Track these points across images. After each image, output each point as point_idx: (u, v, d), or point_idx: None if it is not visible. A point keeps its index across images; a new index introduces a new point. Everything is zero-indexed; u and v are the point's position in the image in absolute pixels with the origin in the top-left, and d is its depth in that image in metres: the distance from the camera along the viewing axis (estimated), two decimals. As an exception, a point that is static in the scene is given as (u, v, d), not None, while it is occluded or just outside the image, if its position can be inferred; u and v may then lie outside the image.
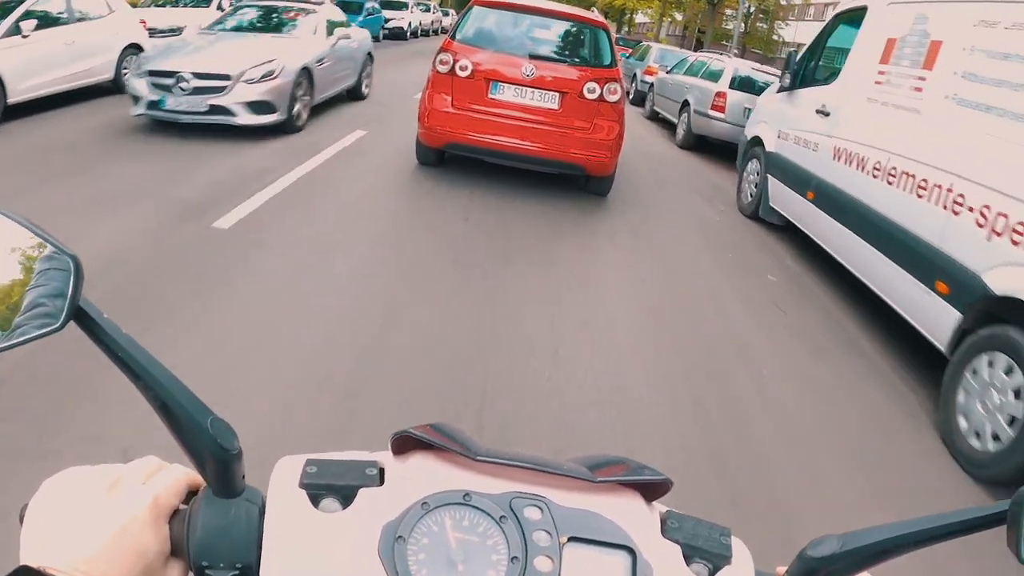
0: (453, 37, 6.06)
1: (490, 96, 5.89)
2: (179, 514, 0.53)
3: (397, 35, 22.53)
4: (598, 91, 5.86)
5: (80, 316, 0.51)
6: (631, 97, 15.04)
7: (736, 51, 42.34)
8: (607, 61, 6.08)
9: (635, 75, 15.94)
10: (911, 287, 3.59)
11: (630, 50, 19.58)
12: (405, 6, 24.20)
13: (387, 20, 21.95)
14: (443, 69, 5.90)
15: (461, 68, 5.86)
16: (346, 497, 0.53)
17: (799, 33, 35.74)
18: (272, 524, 0.52)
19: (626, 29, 54.94)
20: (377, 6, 20.83)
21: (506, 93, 5.91)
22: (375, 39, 17.19)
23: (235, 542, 0.51)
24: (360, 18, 17.10)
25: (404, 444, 0.56)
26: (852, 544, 0.53)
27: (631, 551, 0.52)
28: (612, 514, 0.54)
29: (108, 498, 0.50)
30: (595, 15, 6.61)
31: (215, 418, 0.52)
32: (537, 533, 0.51)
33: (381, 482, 0.54)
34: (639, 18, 53.10)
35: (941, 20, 4.04)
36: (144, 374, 0.51)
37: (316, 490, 0.53)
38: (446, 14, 34.52)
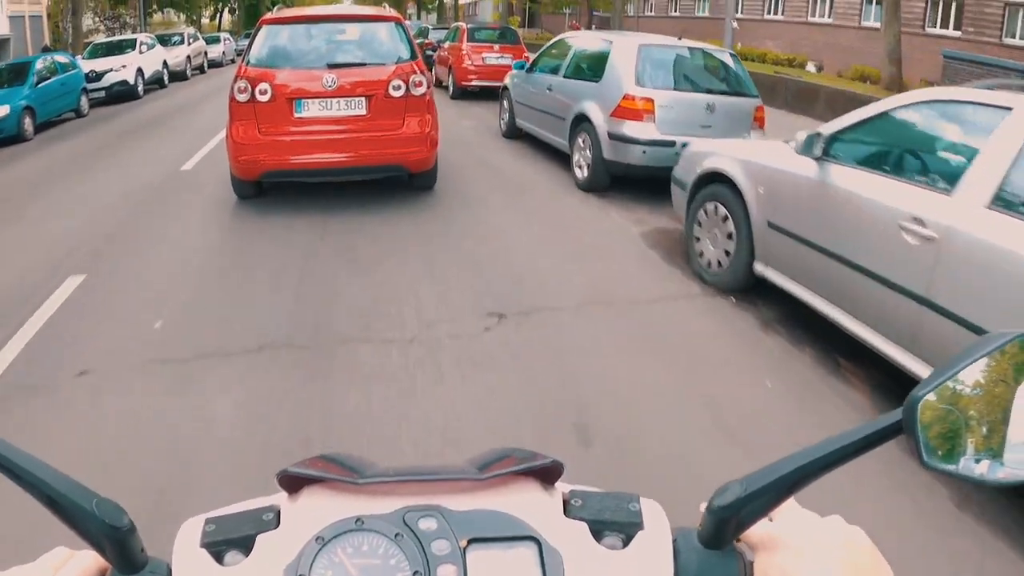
0: (247, 62, 5.86)
1: (296, 115, 5.76)
2: None
3: (123, 94, 15.38)
4: (403, 87, 5.85)
5: None
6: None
7: (574, 22, 42.46)
8: (408, 55, 6.10)
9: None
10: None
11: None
12: (131, 46, 16.67)
13: (94, 76, 14.82)
14: (242, 97, 5.71)
15: (260, 92, 5.68)
16: (247, 547, 0.55)
17: None
18: None
19: (434, 15, 51.01)
20: (63, 60, 13.56)
21: (311, 109, 5.79)
22: (79, 113, 13.32)
23: None
24: (26, 89, 11.46)
25: (294, 482, 0.58)
26: (756, 485, 0.54)
27: (536, 540, 0.53)
28: (509, 507, 0.55)
29: None
30: (386, 10, 6.66)
31: (100, 499, 0.53)
32: (436, 543, 0.53)
33: (278, 524, 0.56)
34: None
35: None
36: (24, 473, 0.52)
37: (217, 547, 0.55)
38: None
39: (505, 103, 9.31)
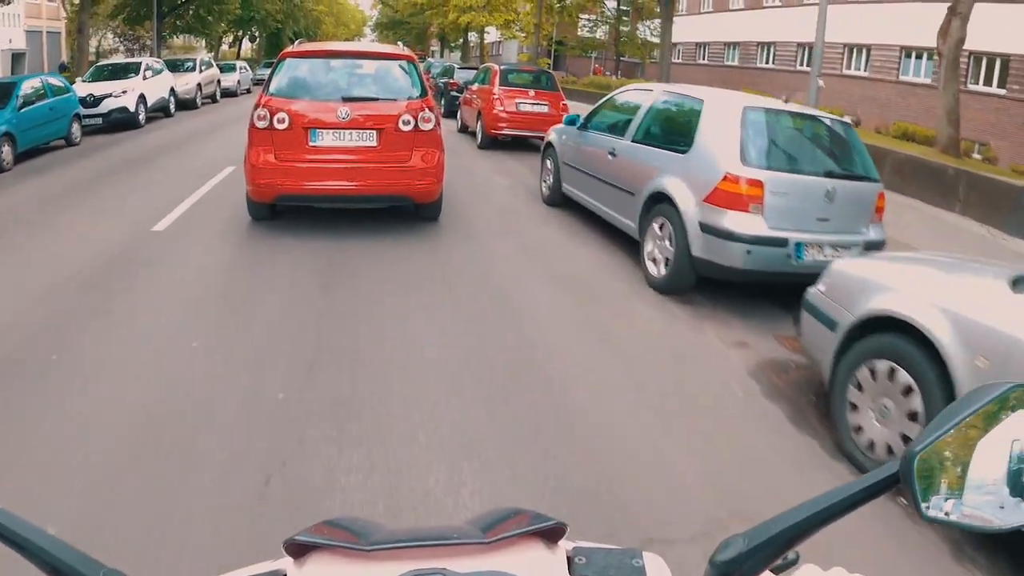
0: (267, 91, 6.24)
1: (311, 144, 6.10)
2: None
3: (122, 122, 14.01)
4: (412, 122, 6.16)
5: None
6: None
7: (598, 66, 41.12)
8: (418, 92, 6.39)
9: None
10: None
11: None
12: (135, 70, 15.31)
13: (91, 101, 13.46)
14: (261, 124, 6.05)
15: (279, 121, 6.04)
16: None
17: (685, 30, 31.00)
18: None
19: (457, 53, 49.62)
20: (55, 83, 12.18)
21: (325, 139, 6.12)
22: (70, 142, 12.17)
23: None
24: (8, 112, 10.19)
25: (301, 548, 0.59)
26: (757, 540, 0.58)
27: None
28: (514, 568, 0.57)
29: None
30: (401, 49, 7.06)
31: (107, 570, 0.55)
32: None
33: None
34: (491, 36, 46.61)
35: None
36: (28, 544, 0.54)
37: None
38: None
39: (549, 163, 7.98)
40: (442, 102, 18.30)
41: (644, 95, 6.40)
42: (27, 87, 11.13)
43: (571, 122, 7.36)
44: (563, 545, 0.63)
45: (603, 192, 6.44)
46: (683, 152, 5.30)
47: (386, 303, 4.67)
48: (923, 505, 0.57)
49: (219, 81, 23.05)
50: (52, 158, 10.87)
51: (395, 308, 4.59)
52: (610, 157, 6.32)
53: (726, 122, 5.05)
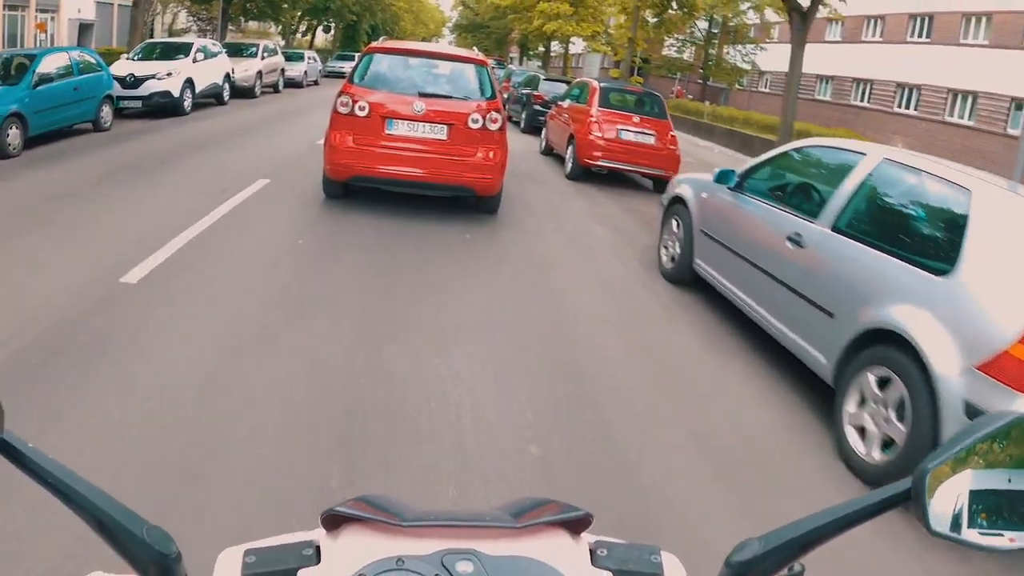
0: (351, 81, 6.91)
1: (387, 132, 6.67)
2: None
3: (165, 108, 12.61)
4: (481, 121, 6.72)
5: (5, 448, 0.58)
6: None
7: (680, 88, 38.78)
8: (488, 94, 6.99)
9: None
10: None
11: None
12: (185, 51, 13.91)
13: (131, 82, 11.98)
14: (344, 110, 6.67)
15: (360, 108, 6.65)
16: None
17: (775, 58, 28.18)
18: None
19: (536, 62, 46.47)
20: (86, 59, 10.75)
21: (400, 128, 6.70)
22: (98, 127, 10.66)
23: None
24: (20, 90, 8.86)
25: (335, 520, 0.63)
26: (772, 543, 0.62)
27: None
28: (541, 555, 0.61)
29: None
30: (475, 54, 8.20)
31: (150, 526, 0.57)
32: None
33: (318, 560, 0.60)
34: (575, 47, 43.13)
35: None
36: (74, 495, 0.57)
37: None
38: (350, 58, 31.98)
39: (675, 225, 5.98)
40: (523, 115, 16.48)
41: (849, 158, 4.33)
42: (48, 62, 9.62)
43: (722, 178, 5.29)
44: (586, 537, 0.67)
45: (770, 293, 4.41)
46: (939, 273, 3.27)
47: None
48: (931, 522, 0.60)
49: (283, 70, 21.60)
50: (70, 145, 9.45)
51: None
52: (790, 245, 4.27)
53: (1020, 239, 3.02)
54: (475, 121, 6.76)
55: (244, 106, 15.83)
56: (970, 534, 0.61)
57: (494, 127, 6.80)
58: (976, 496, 0.61)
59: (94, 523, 0.58)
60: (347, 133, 6.70)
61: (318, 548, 0.62)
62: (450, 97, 6.98)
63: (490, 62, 10.65)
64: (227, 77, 15.49)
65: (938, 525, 0.61)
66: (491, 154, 6.79)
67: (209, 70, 14.43)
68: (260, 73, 18.33)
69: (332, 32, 48.16)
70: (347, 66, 34.11)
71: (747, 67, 31.52)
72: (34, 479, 0.59)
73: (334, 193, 7.24)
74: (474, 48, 9.26)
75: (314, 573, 0.60)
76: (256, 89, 18.04)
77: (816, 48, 29.16)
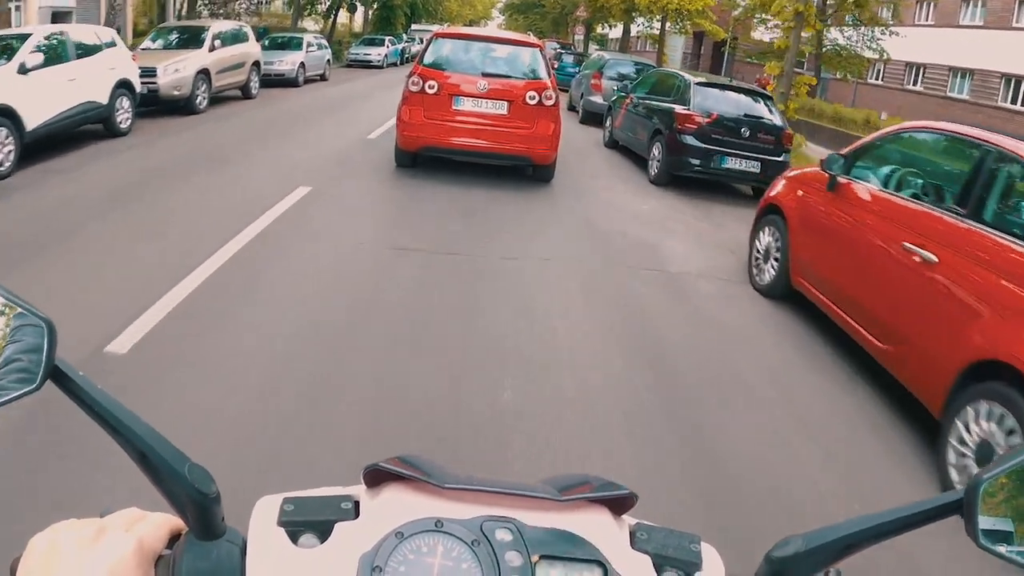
0: (421, 62, 9.54)
1: (453, 108, 9.26)
2: (163, 559, 0.67)
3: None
4: (537, 98, 9.22)
5: (56, 375, 0.66)
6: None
7: (764, 76, 37.27)
8: (542, 75, 9.55)
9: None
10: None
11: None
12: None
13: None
14: (415, 88, 9.25)
15: (429, 87, 9.18)
16: (323, 532, 0.67)
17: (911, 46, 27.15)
18: (254, 563, 0.66)
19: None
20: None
21: (466, 104, 9.28)
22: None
23: None
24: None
25: (376, 477, 0.72)
26: (815, 542, 0.68)
27: (602, 565, 0.65)
28: (581, 530, 0.68)
29: (93, 546, 0.62)
30: (531, 38, 10.55)
31: (192, 464, 0.65)
32: (509, 554, 0.65)
33: (356, 515, 0.69)
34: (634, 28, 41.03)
35: None
36: (121, 427, 0.65)
37: (294, 527, 0.67)
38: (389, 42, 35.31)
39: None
40: (658, 162, 11.54)
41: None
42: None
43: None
44: (627, 518, 0.75)
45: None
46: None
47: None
48: (981, 535, 0.65)
49: (257, 65, 17.71)
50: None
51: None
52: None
53: None
54: (532, 98, 9.19)
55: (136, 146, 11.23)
56: (1019, 552, 0.66)
57: (549, 103, 9.30)
58: None
59: (138, 456, 0.66)
60: (418, 109, 9.19)
61: (357, 503, 0.70)
62: (509, 77, 9.44)
63: (546, 46, 13.37)
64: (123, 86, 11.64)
65: (987, 539, 0.65)
66: (546, 127, 9.29)
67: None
68: (206, 73, 14.73)
69: (357, 12, 48.14)
70: (375, 52, 34.45)
71: (874, 55, 28.72)
72: (82, 408, 0.67)
73: (404, 162, 9.94)
74: (529, 32, 12.14)
75: (352, 527, 0.68)
76: (198, 101, 14.38)
77: (951, 33, 28.38)
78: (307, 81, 22.67)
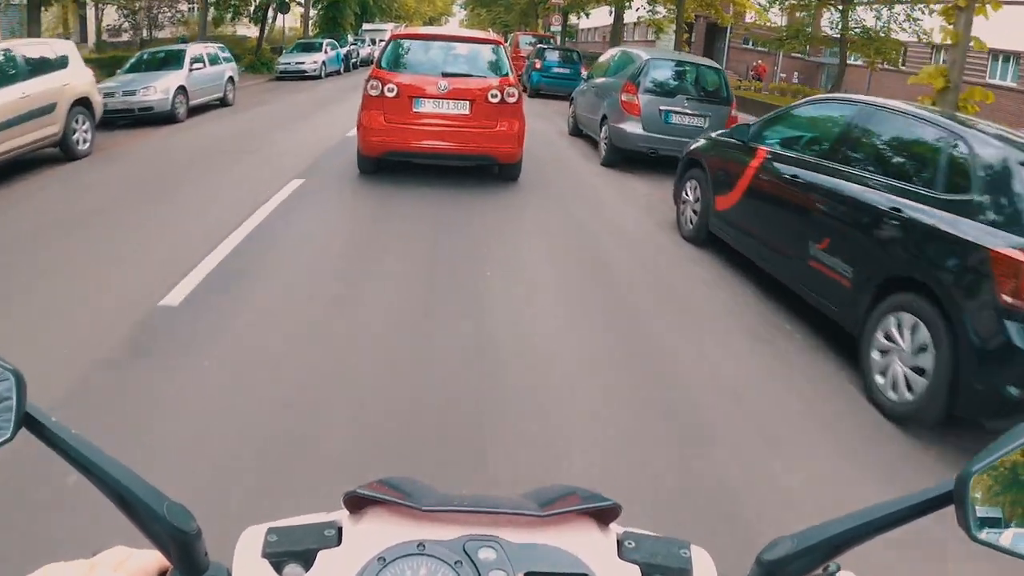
0: (379, 65, 10.31)
1: (414, 110, 9.98)
2: None
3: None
4: (499, 96, 9.97)
5: (29, 423, 0.73)
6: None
7: (761, 63, 36.32)
8: (504, 71, 10.41)
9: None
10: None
11: None
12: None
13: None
14: (374, 92, 9.96)
15: (388, 90, 9.88)
16: (307, 561, 0.76)
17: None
18: None
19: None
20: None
21: (427, 106, 10.00)
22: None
23: None
24: None
25: (357, 503, 0.81)
26: (806, 543, 0.75)
27: None
28: (566, 544, 0.76)
29: None
30: (490, 35, 12.28)
31: (171, 503, 0.73)
32: (493, 572, 0.73)
33: (339, 542, 0.78)
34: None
35: None
36: (97, 470, 0.72)
37: (278, 558, 0.76)
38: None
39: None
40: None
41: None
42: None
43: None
44: (613, 528, 0.82)
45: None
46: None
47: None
48: (973, 526, 0.70)
49: (86, 101, 12.26)
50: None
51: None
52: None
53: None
54: (494, 96, 9.88)
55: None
56: (1013, 541, 0.72)
57: (511, 100, 10.03)
58: (1021, 502, 0.72)
59: (116, 498, 0.73)
60: (378, 113, 9.86)
61: (340, 529, 0.79)
62: (470, 75, 10.18)
63: (519, 40, 20.87)
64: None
65: (980, 531, 0.71)
66: (510, 125, 10.08)
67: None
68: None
69: (304, 15, 46.96)
70: (309, 60, 31.09)
71: (911, 37, 27.24)
72: (57, 453, 0.73)
73: (367, 168, 10.76)
74: (489, 29, 12.87)
75: (335, 554, 0.76)
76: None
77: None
78: (195, 111, 17.82)
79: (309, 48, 33.00)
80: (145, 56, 18.80)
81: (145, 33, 34.29)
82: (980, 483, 0.70)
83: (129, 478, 0.71)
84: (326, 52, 32.79)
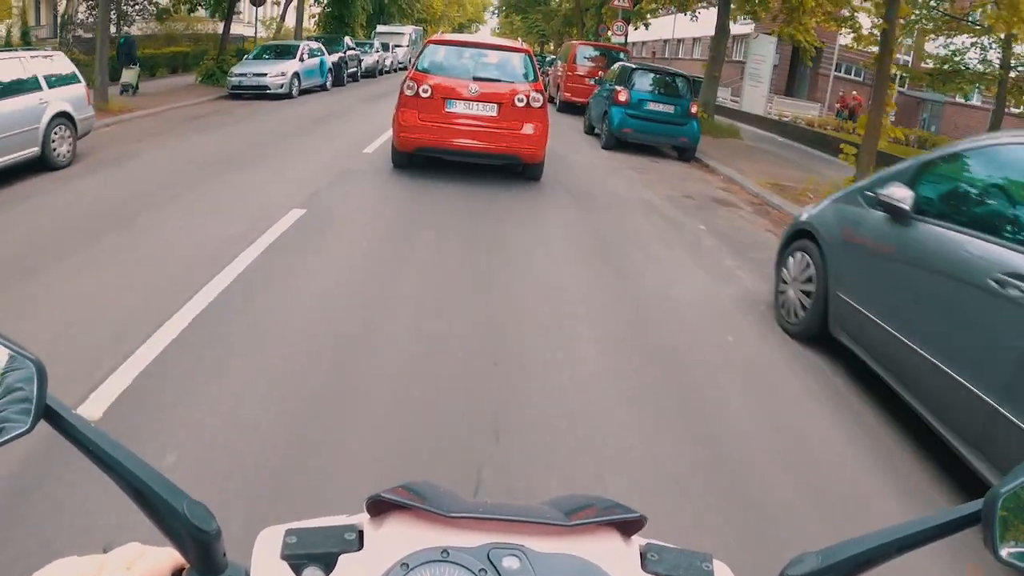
0: (416, 68, 13.00)
1: (446, 110, 12.57)
2: None
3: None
4: (525, 100, 12.50)
5: (49, 415, 0.78)
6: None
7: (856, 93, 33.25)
8: (531, 78, 13.02)
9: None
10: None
11: None
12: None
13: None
14: (410, 92, 12.59)
15: (423, 91, 12.47)
16: (327, 564, 0.82)
17: None
18: None
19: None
20: None
21: (458, 107, 12.55)
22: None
23: None
24: None
25: (380, 507, 0.87)
26: (831, 559, 0.81)
27: None
28: (590, 555, 0.83)
29: None
30: (520, 44, 14.67)
31: (191, 501, 0.78)
32: None
33: (360, 546, 0.84)
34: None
35: None
36: (116, 465, 0.77)
37: (297, 560, 0.82)
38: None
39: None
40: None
41: None
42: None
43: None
44: (636, 540, 0.90)
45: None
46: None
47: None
48: (1000, 547, 0.78)
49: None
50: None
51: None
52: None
53: None
54: (520, 100, 12.34)
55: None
56: None
57: (536, 104, 12.57)
58: None
59: (134, 494, 0.77)
60: (413, 111, 12.35)
61: (361, 533, 0.86)
62: (499, 80, 12.72)
63: (576, 50, 25.67)
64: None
65: (1006, 552, 0.79)
66: (535, 128, 12.56)
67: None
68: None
69: (298, 8, 43.22)
70: (273, 71, 25.07)
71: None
72: (76, 446, 0.79)
73: (400, 162, 13.46)
74: (519, 39, 16.64)
75: (355, 559, 0.82)
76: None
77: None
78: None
79: (280, 53, 27.47)
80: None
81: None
82: (1008, 505, 0.78)
83: (148, 474, 0.77)
84: (301, 59, 27.23)
